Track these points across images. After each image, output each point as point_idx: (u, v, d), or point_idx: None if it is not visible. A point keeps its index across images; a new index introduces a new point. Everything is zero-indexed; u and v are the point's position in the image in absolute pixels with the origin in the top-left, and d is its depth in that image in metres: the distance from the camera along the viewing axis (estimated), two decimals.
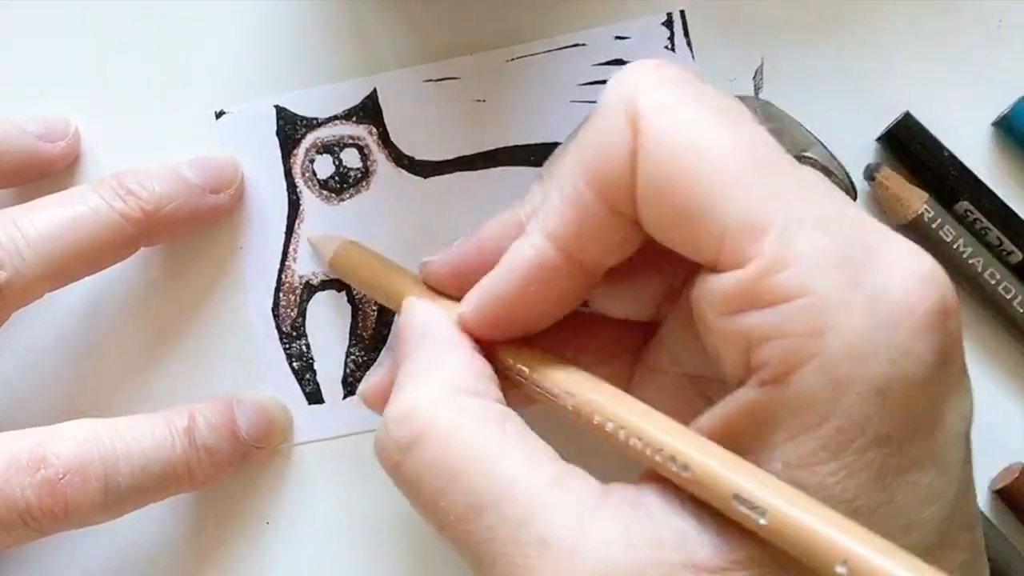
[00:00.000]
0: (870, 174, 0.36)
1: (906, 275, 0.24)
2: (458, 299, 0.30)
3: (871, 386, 0.23)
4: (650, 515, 0.24)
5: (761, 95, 0.37)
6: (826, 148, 0.35)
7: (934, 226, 0.35)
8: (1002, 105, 0.36)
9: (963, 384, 0.25)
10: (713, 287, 0.25)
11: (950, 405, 0.24)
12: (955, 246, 0.35)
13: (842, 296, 0.23)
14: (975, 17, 0.37)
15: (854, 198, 0.35)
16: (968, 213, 0.36)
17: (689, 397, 0.30)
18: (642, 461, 0.25)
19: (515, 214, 0.29)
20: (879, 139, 0.37)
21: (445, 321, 0.30)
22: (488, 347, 0.29)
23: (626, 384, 0.31)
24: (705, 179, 0.24)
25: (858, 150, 0.37)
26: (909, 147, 0.36)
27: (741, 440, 0.24)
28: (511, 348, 0.29)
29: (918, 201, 0.35)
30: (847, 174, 0.35)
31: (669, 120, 0.25)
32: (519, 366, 0.29)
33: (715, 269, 0.25)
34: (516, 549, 0.24)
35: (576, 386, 0.27)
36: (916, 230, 0.35)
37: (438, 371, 0.28)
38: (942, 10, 0.37)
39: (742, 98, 0.30)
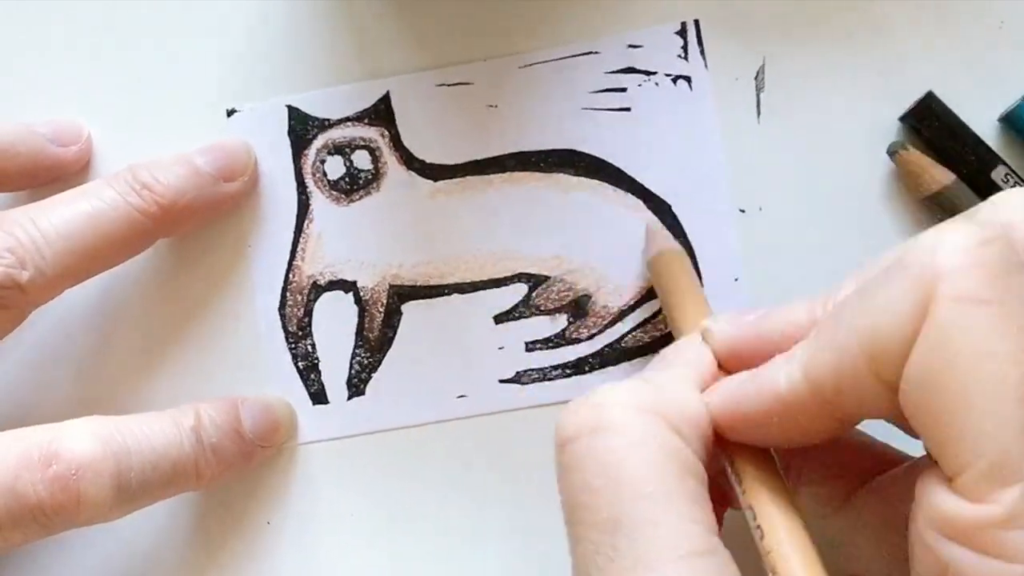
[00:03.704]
0: (894, 151, 0.36)
1: None
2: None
3: None
4: None
5: (763, 95, 0.37)
6: None
7: (956, 202, 0.35)
8: (1008, 101, 0.37)
9: None
10: (941, 503, 0.24)
11: None
12: None
13: None
14: (977, 16, 0.37)
15: None
16: (1008, 177, 0.36)
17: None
18: None
19: (809, 309, 0.28)
20: (901, 118, 0.36)
21: (704, 360, 0.29)
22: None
23: (841, 502, 0.31)
24: (973, 401, 0.23)
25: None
26: (931, 126, 0.36)
27: None
28: (739, 449, 0.29)
29: (944, 175, 0.35)
30: None
31: (963, 320, 0.23)
32: (736, 467, 0.28)
33: (948, 480, 0.24)
34: None
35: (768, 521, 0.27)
36: (938, 203, 0.35)
37: (663, 390, 0.28)
38: (943, 9, 0.37)
39: None
